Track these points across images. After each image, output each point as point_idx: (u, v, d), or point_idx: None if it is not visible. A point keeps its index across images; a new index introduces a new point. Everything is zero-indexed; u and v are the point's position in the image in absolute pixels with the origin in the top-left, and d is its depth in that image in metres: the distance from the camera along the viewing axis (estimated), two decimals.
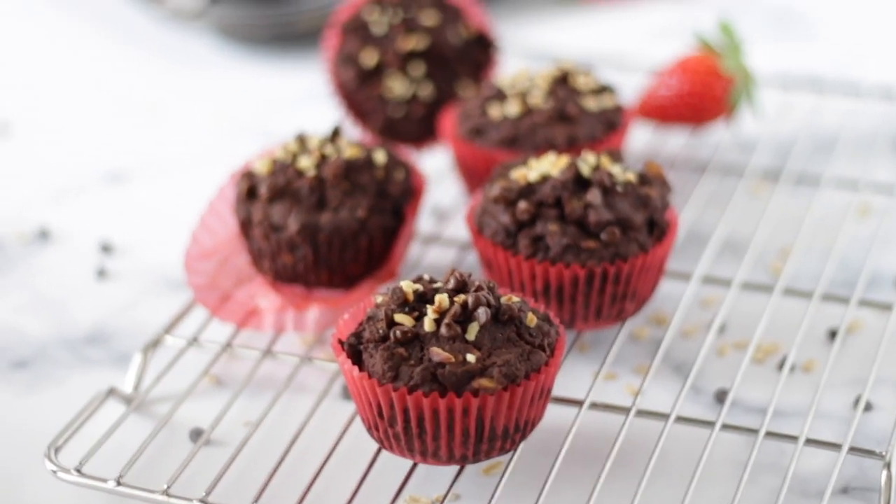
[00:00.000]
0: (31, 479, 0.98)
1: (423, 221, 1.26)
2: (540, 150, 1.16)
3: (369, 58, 1.28)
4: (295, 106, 1.52)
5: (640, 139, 1.37)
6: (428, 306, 0.91)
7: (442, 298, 0.91)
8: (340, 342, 0.93)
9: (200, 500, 0.92)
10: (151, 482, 0.95)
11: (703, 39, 1.32)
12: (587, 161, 1.05)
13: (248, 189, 1.11)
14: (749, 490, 0.96)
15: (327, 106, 1.41)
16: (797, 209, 1.26)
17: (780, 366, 1.07)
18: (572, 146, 1.16)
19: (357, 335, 0.93)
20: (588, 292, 1.03)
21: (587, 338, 1.11)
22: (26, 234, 1.28)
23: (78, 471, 0.94)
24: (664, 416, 0.98)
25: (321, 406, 1.02)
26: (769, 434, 0.97)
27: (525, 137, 1.17)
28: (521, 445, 0.95)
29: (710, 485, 0.96)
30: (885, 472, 0.93)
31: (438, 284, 0.93)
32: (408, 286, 0.93)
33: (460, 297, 0.91)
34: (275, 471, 0.95)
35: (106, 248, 1.25)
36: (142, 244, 1.27)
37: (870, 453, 0.95)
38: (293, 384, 1.06)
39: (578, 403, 1.00)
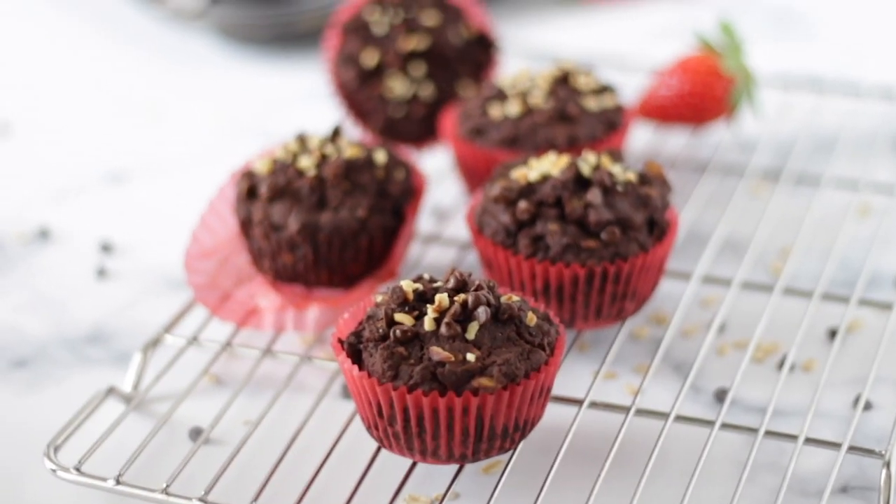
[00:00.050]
0: (31, 478, 0.98)
1: (424, 221, 1.26)
2: (540, 149, 1.16)
3: (370, 58, 1.28)
4: (295, 106, 1.52)
5: (641, 139, 1.37)
6: (428, 306, 0.91)
7: (442, 298, 0.91)
8: (340, 341, 0.93)
9: (200, 499, 0.92)
10: (151, 481, 0.95)
11: (703, 39, 1.32)
12: (587, 161, 1.05)
13: (249, 189, 1.11)
14: (748, 489, 0.96)
15: (327, 106, 1.41)
16: (797, 209, 1.26)
17: (780, 365, 1.07)
18: (573, 146, 1.16)
19: (357, 334, 0.93)
20: (588, 292, 1.03)
21: (587, 337, 1.11)
22: (26, 234, 1.29)
23: (77, 470, 0.94)
24: (664, 416, 0.98)
25: (321, 405, 1.03)
26: (769, 433, 0.97)
27: (525, 137, 1.17)
28: (521, 444, 0.95)
29: (709, 484, 0.96)
30: (884, 472, 0.93)
31: (438, 284, 0.93)
32: (408, 285, 0.93)
33: (460, 297, 0.91)
34: (274, 470, 0.95)
35: (106, 248, 1.26)
36: (142, 244, 1.27)
37: (869, 452, 0.95)
38: (293, 383, 1.06)
39: (578, 402, 1.00)
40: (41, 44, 1.68)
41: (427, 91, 1.28)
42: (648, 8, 1.71)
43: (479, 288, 0.92)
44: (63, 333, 1.15)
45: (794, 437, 0.96)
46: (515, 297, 0.94)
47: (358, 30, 1.30)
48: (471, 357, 0.89)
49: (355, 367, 0.91)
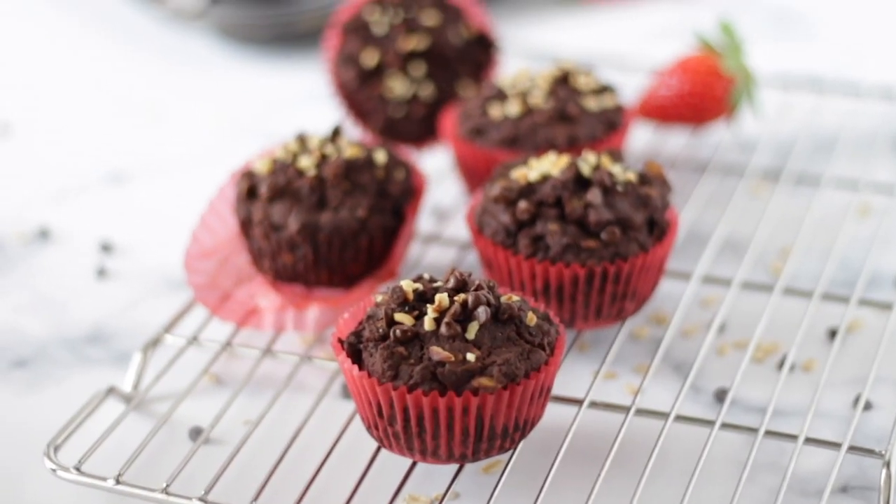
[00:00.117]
0: (31, 478, 0.98)
1: (424, 221, 1.26)
2: (540, 149, 1.16)
3: (370, 58, 1.28)
4: (295, 106, 1.52)
5: (641, 139, 1.37)
6: (428, 305, 0.91)
7: (442, 298, 0.91)
8: (340, 341, 0.93)
9: (200, 499, 0.92)
10: (151, 481, 0.95)
11: (703, 39, 1.32)
12: (587, 161, 1.05)
13: (249, 188, 1.11)
14: (748, 489, 0.96)
15: (327, 106, 1.41)
16: (797, 209, 1.26)
17: (780, 365, 1.07)
18: (573, 146, 1.16)
19: (357, 334, 0.93)
20: (588, 292, 1.03)
21: (587, 337, 1.11)
22: (26, 234, 1.29)
23: (77, 469, 0.94)
24: (664, 416, 0.98)
25: (321, 405, 1.03)
26: (769, 433, 0.97)
27: (525, 137, 1.17)
28: (521, 444, 0.95)
29: (709, 484, 0.96)
30: (884, 471, 0.93)
31: (438, 284, 0.93)
32: (408, 285, 0.93)
33: (460, 297, 0.91)
34: (274, 469, 0.95)
35: (106, 248, 1.26)
36: (142, 244, 1.27)
37: (869, 452, 0.95)
38: (293, 383, 1.06)
39: (578, 402, 1.00)
40: (41, 44, 1.68)
41: (427, 91, 1.28)
42: (648, 8, 1.71)
43: (479, 288, 0.92)
44: (63, 333, 1.15)
45: (794, 437, 0.96)
46: (515, 297, 0.94)
47: (358, 30, 1.30)
48: (471, 357, 0.89)
49: (355, 367, 0.91)
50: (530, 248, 1.03)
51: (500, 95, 1.20)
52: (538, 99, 1.18)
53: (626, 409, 0.99)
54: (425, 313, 0.91)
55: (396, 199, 1.11)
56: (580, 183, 1.04)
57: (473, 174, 1.20)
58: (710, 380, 1.07)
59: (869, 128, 1.40)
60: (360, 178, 1.10)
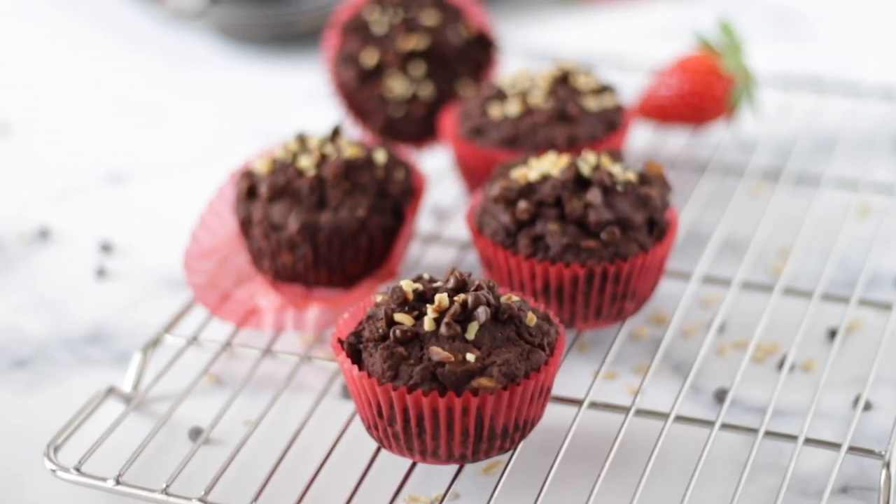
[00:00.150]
0: (31, 478, 0.98)
1: (423, 221, 1.26)
2: (540, 149, 1.16)
3: (370, 58, 1.28)
4: (295, 106, 1.52)
5: (641, 139, 1.37)
6: (428, 305, 0.91)
7: (442, 298, 0.91)
8: (340, 341, 0.93)
9: (199, 499, 0.92)
10: (150, 481, 0.95)
11: (703, 39, 1.32)
12: (587, 161, 1.05)
13: (248, 188, 1.11)
14: (748, 489, 0.96)
15: (327, 106, 1.41)
16: (797, 209, 1.26)
17: (780, 365, 1.07)
18: (573, 146, 1.16)
19: (357, 334, 0.93)
20: (588, 292, 1.03)
21: (587, 337, 1.11)
22: (26, 234, 1.29)
23: (77, 470, 0.94)
24: (664, 416, 0.98)
25: (321, 405, 1.03)
26: (768, 433, 0.97)
27: (525, 137, 1.17)
28: (521, 444, 0.95)
29: (709, 484, 0.96)
30: (884, 472, 0.93)
31: (438, 284, 0.93)
32: (407, 285, 0.93)
33: (460, 297, 0.91)
34: (274, 470, 0.95)
35: (106, 248, 1.26)
36: (142, 244, 1.27)
37: (869, 453, 0.95)
38: (293, 383, 1.06)
39: (578, 403, 1.00)
40: (41, 44, 1.68)
41: (427, 91, 1.28)
42: (648, 8, 1.71)
43: (478, 288, 0.92)
44: (63, 333, 1.15)
45: (793, 438, 0.96)
46: (515, 297, 0.94)
47: (358, 29, 1.30)
48: (471, 357, 0.89)
49: (355, 367, 0.91)
50: (530, 248, 1.03)
51: (500, 95, 1.20)
52: (538, 99, 1.18)
53: (626, 410, 0.99)
54: (425, 313, 0.91)
55: (396, 199, 1.11)
56: (580, 183, 1.04)
57: (473, 174, 1.20)
58: (709, 380, 1.07)
59: (869, 128, 1.40)
60: (359, 177, 1.10)
